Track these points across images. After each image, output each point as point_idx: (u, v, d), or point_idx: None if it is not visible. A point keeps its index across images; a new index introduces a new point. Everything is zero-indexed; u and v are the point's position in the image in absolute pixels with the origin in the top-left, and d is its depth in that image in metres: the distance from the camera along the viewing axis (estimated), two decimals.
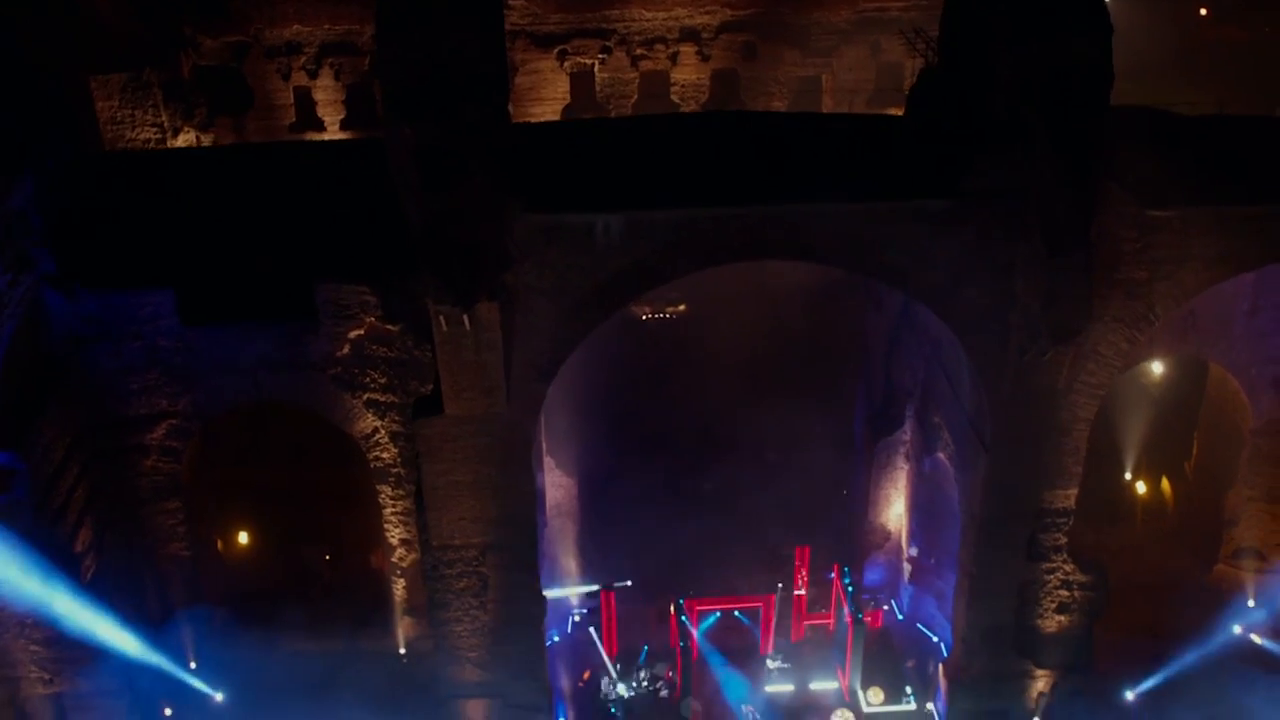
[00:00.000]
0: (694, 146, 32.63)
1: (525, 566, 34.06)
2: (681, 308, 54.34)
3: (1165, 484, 45.90)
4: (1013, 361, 31.60)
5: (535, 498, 34.24)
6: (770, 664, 38.06)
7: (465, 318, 29.27)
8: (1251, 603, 39.92)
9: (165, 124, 49.73)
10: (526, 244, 29.77)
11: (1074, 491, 33.90)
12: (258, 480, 43.66)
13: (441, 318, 29.40)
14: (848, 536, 42.05)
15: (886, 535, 41.68)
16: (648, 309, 54.20)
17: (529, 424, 32.35)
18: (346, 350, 34.65)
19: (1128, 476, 45.68)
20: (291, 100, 52.97)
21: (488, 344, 30.22)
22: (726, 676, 38.10)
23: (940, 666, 37.80)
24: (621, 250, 30.00)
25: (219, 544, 42.76)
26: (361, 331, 34.36)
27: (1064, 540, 34.49)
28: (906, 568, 40.91)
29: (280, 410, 42.71)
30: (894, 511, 41.26)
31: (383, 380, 35.07)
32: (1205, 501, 42.36)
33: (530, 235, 29.74)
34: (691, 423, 46.20)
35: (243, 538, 43.16)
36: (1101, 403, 34.54)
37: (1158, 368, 47.14)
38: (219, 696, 37.12)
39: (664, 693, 37.66)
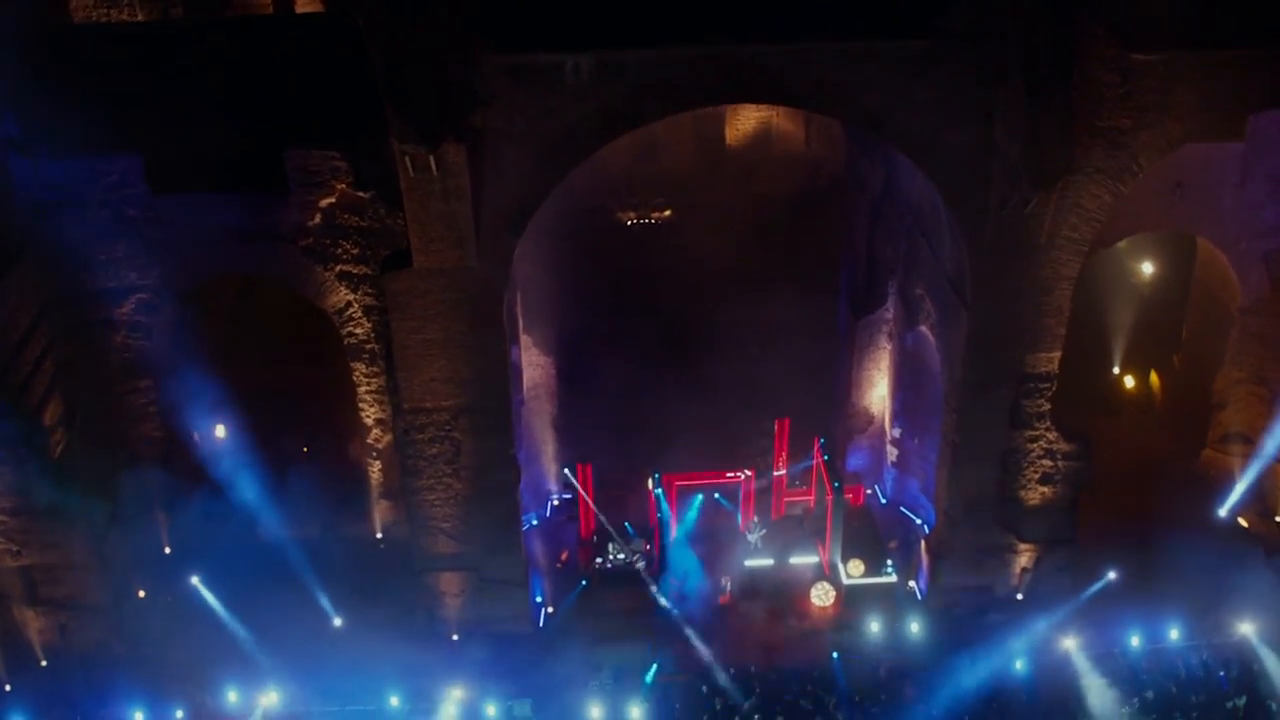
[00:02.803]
0: None
1: (498, 431, 33.45)
2: (667, 213, 53.62)
3: (1153, 377, 45.36)
4: (994, 213, 30.88)
5: (507, 359, 33.59)
6: (750, 537, 37.56)
7: (432, 160, 28.64)
8: (1239, 487, 39.46)
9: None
10: (494, 85, 29.05)
11: (1057, 355, 33.22)
12: (237, 375, 43.25)
13: (408, 160, 28.77)
14: (830, 420, 41.44)
15: (869, 419, 41.11)
16: (632, 214, 53.46)
17: (499, 280, 31.71)
18: (318, 220, 34.08)
19: (1115, 371, 45.21)
20: None
21: (455, 192, 29.63)
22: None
23: (923, 543, 37.30)
24: (592, 92, 29.30)
25: (195, 436, 42.20)
26: (332, 199, 33.75)
27: (1047, 407, 33.86)
28: (890, 451, 40.31)
29: (261, 305, 42.47)
30: (877, 394, 40.67)
31: (355, 251, 34.50)
32: (1193, 389, 41.78)
33: (498, 76, 29.00)
34: (673, 312, 45.74)
35: (220, 430, 42.54)
36: (1090, 296, 33.51)
37: (1147, 267, 46.65)
38: (193, 579, 36.61)
39: (640, 565, 37.19)
